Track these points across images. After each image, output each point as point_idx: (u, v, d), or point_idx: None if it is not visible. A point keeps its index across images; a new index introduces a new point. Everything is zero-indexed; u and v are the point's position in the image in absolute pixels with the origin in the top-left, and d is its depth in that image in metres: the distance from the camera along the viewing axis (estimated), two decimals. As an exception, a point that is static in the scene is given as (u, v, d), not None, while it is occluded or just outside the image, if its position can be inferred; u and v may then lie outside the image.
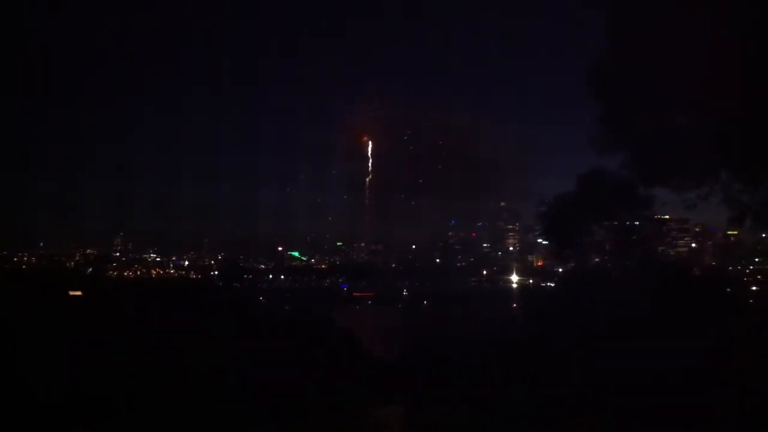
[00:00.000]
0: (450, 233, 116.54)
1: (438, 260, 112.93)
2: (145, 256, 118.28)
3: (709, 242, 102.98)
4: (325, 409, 29.10)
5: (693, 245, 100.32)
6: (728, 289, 57.62)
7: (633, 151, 41.47)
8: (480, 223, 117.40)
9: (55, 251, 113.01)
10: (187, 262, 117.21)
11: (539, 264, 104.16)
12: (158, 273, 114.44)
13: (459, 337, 45.74)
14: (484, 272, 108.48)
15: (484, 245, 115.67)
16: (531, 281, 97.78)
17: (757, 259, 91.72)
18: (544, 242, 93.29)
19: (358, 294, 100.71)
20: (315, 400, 29.57)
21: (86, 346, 33.41)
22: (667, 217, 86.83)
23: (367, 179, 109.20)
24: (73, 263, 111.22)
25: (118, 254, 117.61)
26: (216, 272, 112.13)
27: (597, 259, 63.05)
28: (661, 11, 34.63)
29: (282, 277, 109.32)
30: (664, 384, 28.58)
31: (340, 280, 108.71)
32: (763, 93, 30.66)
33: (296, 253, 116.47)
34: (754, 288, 71.66)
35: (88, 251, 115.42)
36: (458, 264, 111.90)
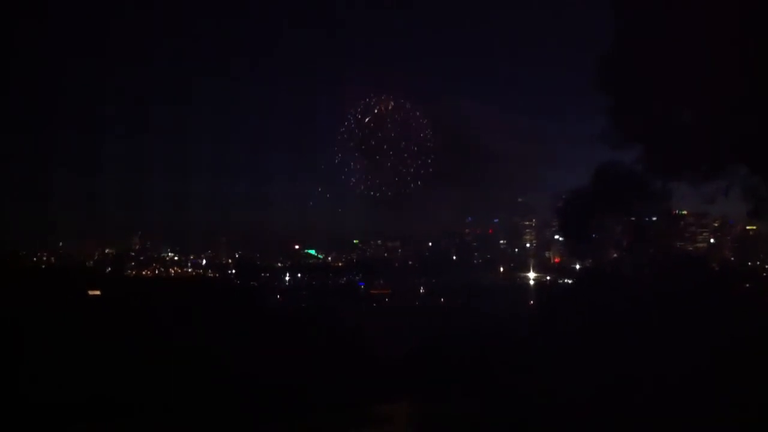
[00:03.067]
0: (466, 230, 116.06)
1: (454, 257, 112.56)
2: (163, 255, 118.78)
3: (728, 237, 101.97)
4: (329, 407, 29.22)
5: (712, 240, 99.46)
6: (747, 285, 57.24)
7: (645, 144, 41.22)
8: (496, 220, 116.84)
9: (74, 250, 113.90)
10: (204, 261, 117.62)
11: (556, 260, 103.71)
12: (176, 272, 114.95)
13: (473, 334, 45.68)
14: (501, 269, 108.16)
15: (501, 241, 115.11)
16: (548, 278, 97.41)
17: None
18: (560, 238, 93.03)
19: (374, 291, 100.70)
20: (320, 398, 29.69)
21: (103, 345, 33.74)
22: (686, 212, 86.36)
23: (382, 175, 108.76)
24: (92, 262, 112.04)
25: (135, 254, 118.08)
26: (233, 271, 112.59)
27: (615, 255, 62.70)
28: (676, 5, 34.34)
29: (299, 275, 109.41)
30: (681, 378, 28.47)
31: (357, 277, 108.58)
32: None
33: (313, 251, 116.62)
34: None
35: (107, 250, 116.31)
36: (475, 261, 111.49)
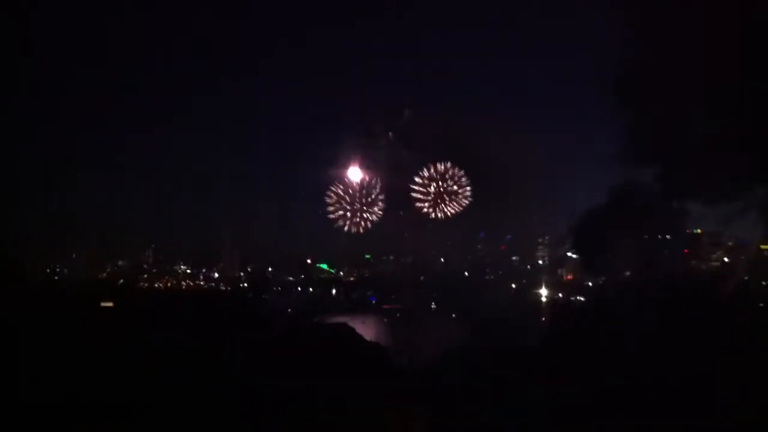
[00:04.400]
0: (479, 246, 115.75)
1: (466, 273, 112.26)
2: (175, 267, 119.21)
3: (742, 257, 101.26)
4: (341, 413, 29.25)
5: (725, 260, 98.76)
6: (761, 304, 56.81)
7: (664, 164, 41.05)
8: (509, 236, 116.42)
9: (87, 262, 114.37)
10: (217, 274, 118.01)
11: (569, 278, 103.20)
12: (188, 285, 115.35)
13: (486, 348, 45.52)
14: (513, 285, 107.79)
15: (513, 258, 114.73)
16: (560, 295, 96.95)
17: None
18: (573, 256, 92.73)
19: (386, 306, 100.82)
20: (331, 404, 29.72)
21: (114, 352, 33.88)
22: (699, 231, 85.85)
23: (396, 192, 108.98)
24: (104, 274, 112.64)
25: (148, 266, 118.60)
26: (245, 284, 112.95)
27: (628, 273, 62.43)
28: (693, 23, 34.31)
29: (311, 289, 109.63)
30: (693, 395, 28.31)
31: (369, 292, 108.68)
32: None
33: (325, 266, 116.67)
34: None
35: (120, 263, 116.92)
36: (487, 277, 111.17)
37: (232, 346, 36.24)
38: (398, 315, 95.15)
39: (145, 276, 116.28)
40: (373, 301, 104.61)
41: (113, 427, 27.82)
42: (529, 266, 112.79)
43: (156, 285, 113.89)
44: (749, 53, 31.44)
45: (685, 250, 75.55)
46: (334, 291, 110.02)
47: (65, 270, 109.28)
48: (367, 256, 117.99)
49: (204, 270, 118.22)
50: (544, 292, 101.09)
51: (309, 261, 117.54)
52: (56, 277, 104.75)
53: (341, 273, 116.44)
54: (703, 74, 34.09)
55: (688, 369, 30.19)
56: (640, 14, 37.27)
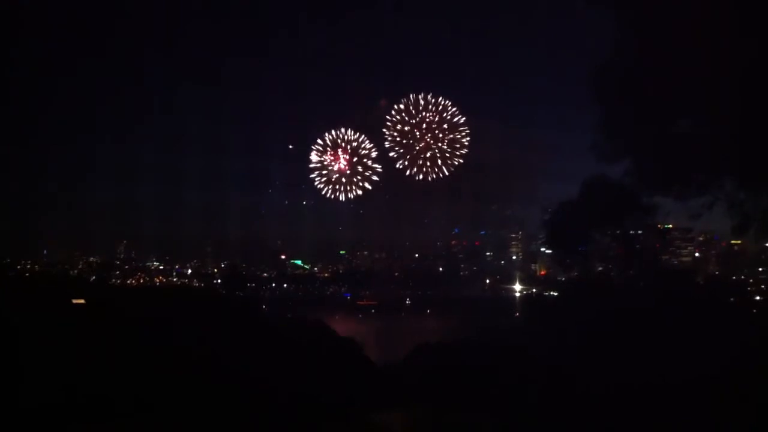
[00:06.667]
0: (453, 242, 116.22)
1: (441, 269, 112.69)
2: (148, 264, 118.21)
3: (713, 251, 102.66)
4: (326, 414, 29.20)
5: (696, 254, 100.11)
6: (731, 299, 57.48)
7: (635, 158, 41.45)
8: (483, 232, 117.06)
9: (58, 259, 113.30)
10: (190, 271, 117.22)
11: (542, 272, 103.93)
12: (161, 281, 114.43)
13: (463, 345, 45.58)
14: (487, 281, 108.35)
15: (487, 254, 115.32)
16: (534, 290, 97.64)
17: (760, 269, 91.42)
18: (547, 251, 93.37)
19: (361, 302, 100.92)
20: (317, 405, 29.66)
21: (90, 352, 33.53)
22: (670, 226, 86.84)
23: (372, 187, 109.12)
24: (76, 271, 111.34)
25: (119, 262, 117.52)
26: (219, 280, 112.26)
27: (600, 268, 62.84)
28: (669, 20, 34.66)
29: (285, 285, 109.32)
30: (668, 389, 28.60)
31: (343, 288, 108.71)
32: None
33: (299, 261, 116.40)
34: (757, 297, 71.33)
35: (92, 259, 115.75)
36: (461, 273, 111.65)
37: (207, 344, 35.93)
38: (373, 311, 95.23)
39: (117, 273, 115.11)
40: (348, 297, 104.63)
41: (112, 427, 27.54)
42: (502, 261, 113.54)
43: (129, 282, 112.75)
44: (721, 49, 31.80)
45: (657, 245, 76.29)
46: (308, 287, 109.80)
47: (36, 267, 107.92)
48: (342, 252, 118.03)
49: (177, 266, 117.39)
50: (517, 287, 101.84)
51: (283, 257, 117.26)
52: (27, 275, 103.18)
53: (315, 269, 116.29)
54: (675, 69, 34.37)
55: (666, 367, 30.51)
56: (613, 8, 37.55)
